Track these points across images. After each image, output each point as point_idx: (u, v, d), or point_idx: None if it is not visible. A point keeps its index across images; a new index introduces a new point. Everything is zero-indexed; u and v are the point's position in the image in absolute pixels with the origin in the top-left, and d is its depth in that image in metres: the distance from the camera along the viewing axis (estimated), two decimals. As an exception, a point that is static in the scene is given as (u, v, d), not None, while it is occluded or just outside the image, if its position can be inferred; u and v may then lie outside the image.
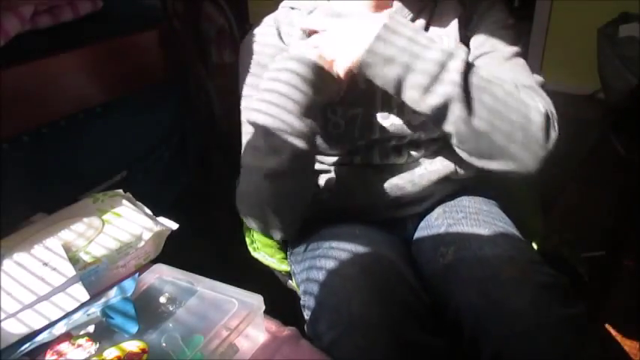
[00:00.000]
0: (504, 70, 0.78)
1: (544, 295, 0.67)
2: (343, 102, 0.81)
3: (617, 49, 1.77)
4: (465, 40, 0.82)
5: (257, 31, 0.87)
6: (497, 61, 0.80)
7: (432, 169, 0.86)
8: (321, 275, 0.72)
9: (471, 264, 0.74)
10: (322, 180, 0.88)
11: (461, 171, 0.87)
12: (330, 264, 0.73)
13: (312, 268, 0.76)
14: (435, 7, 0.83)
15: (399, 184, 0.85)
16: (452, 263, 0.77)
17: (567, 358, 0.64)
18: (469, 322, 0.69)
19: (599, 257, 1.30)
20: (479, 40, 0.82)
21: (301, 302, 0.77)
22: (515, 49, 0.81)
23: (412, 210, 0.89)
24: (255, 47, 0.85)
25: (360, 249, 0.74)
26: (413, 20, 0.82)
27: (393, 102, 0.82)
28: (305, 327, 0.72)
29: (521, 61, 0.81)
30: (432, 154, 0.87)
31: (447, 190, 0.89)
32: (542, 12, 2.84)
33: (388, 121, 0.82)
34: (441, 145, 0.87)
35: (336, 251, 0.75)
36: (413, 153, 0.86)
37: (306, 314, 0.73)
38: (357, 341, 0.63)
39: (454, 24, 0.82)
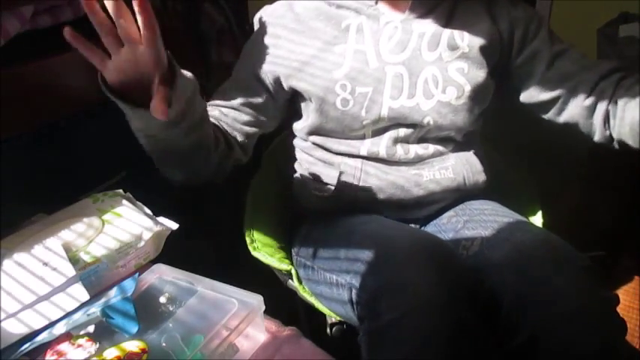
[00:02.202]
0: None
1: (584, 277, 0.67)
2: (354, 79, 0.81)
3: (617, 49, 1.76)
4: (502, 43, 0.84)
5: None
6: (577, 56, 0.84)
7: (440, 177, 0.85)
8: (374, 256, 0.70)
9: (504, 248, 0.72)
10: (325, 176, 0.88)
11: (471, 182, 0.87)
12: (384, 247, 0.71)
13: (362, 249, 0.73)
14: (455, 7, 0.83)
15: (404, 185, 0.85)
16: (480, 252, 0.75)
17: (607, 341, 0.63)
18: (506, 303, 0.68)
19: (599, 257, 1.29)
20: (545, 45, 0.84)
21: (342, 282, 0.75)
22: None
23: (415, 213, 0.89)
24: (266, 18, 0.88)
25: (410, 232, 0.73)
26: (428, 14, 0.82)
27: (404, 84, 0.82)
28: (354, 309, 0.71)
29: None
30: (442, 159, 0.86)
31: (454, 197, 0.89)
32: (542, 12, 2.82)
33: (397, 102, 0.82)
34: (452, 149, 0.86)
35: (384, 237, 0.73)
36: (420, 152, 0.85)
37: (355, 296, 0.71)
38: (419, 321, 0.62)
39: (482, 30, 0.82)
